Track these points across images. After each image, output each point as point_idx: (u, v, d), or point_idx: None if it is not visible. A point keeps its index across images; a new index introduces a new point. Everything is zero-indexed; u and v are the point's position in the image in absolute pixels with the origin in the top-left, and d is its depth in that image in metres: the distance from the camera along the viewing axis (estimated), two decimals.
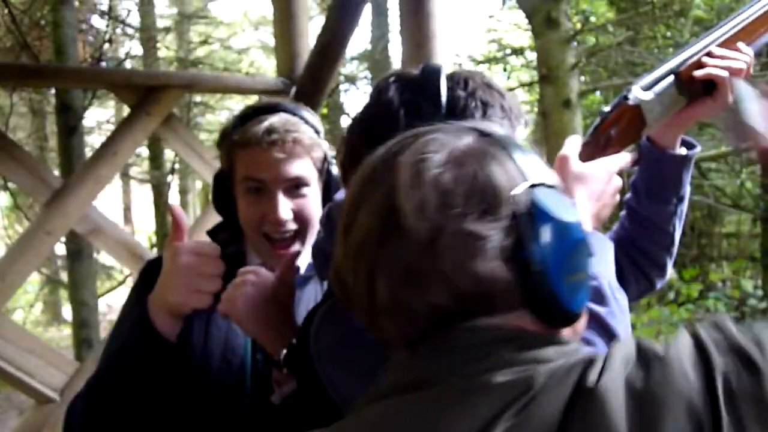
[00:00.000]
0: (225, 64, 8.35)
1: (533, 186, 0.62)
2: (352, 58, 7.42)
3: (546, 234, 0.60)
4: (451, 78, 1.04)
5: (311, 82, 2.76)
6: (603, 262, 1.00)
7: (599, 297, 0.95)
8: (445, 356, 0.62)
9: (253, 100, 3.36)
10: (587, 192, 1.09)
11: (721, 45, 1.20)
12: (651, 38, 4.59)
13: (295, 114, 1.30)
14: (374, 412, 0.63)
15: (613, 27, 5.42)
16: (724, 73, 1.16)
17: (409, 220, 0.61)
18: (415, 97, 1.02)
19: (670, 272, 1.39)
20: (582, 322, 0.69)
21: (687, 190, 1.30)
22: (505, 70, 5.34)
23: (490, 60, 5.36)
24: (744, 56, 1.18)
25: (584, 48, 3.80)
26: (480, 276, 0.60)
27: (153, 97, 2.60)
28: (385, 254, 0.63)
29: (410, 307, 0.62)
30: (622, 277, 1.33)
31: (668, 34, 4.89)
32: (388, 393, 0.63)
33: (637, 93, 1.17)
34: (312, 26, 3.05)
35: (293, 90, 2.79)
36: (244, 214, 1.29)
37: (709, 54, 1.18)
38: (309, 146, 1.27)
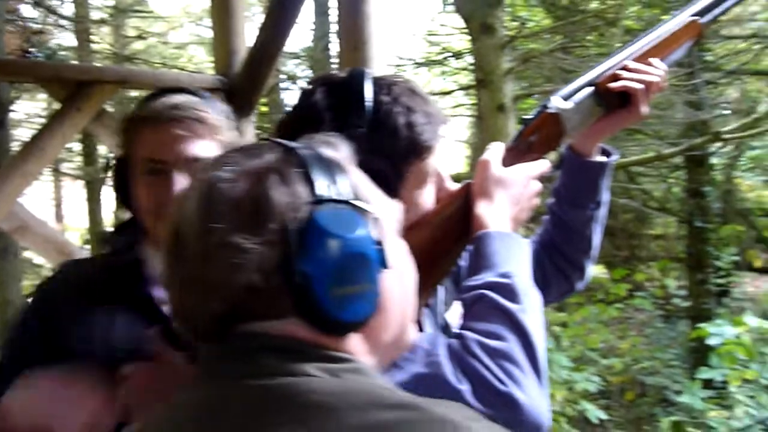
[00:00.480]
0: (163, 59, 8.16)
1: (317, 202, 0.67)
2: (293, 57, 7.37)
3: (316, 248, 0.65)
4: (376, 83, 1.08)
5: (248, 80, 2.75)
6: (517, 262, 1.05)
7: (511, 295, 1.00)
8: (215, 359, 0.70)
9: None
10: (507, 195, 1.13)
11: (636, 59, 1.26)
12: (582, 47, 4.75)
13: (201, 97, 1.26)
14: (175, 402, 0.72)
15: (549, 34, 5.58)
16: (639, 86, 1.22)
17: (188, 233, 0.68)
18: (341, 101, 1.06)
19: (591, 274, 1.44)
20: (382, 331, 0.74)
21: (606, 196, 1.36)
22: (443, 73, 5.43)
23: (430, 63, 5.42)
24: (657, 70, 1.25)
25: (519, 54, 3.90)
26: (243, 286, 0.65)
27: (84, 92, 2.52)
28: (173, 264, 0.70)
29: (193, 313, 0.70)
30: (545, 279, 1.38)
31: (600, 42, 5.07)
32: (186, 387, 0.72)
33: (557, 102, 1.22)
34: (251, 24, 3.03)
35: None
36: (141, 200, 1.22)
37: (624, 67, 1.24)
38: (213, 127, 1.22)
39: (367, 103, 1.04)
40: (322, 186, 0.68)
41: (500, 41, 3.47)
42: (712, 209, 7.33)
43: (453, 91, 5.87)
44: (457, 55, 5.42)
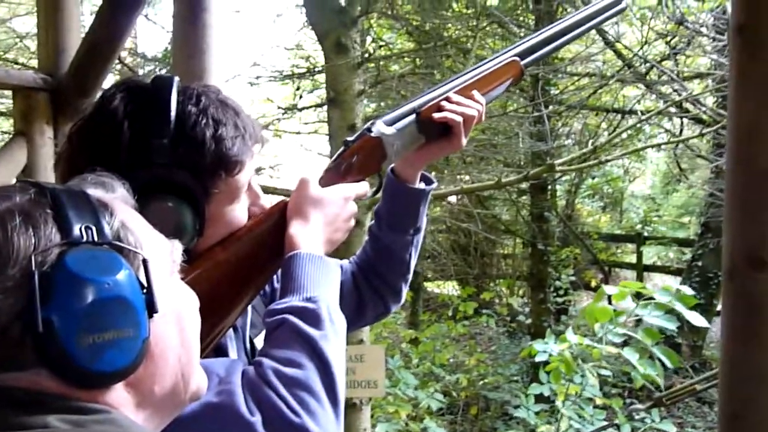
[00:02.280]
0: (2, 48, 7.46)
1: (70, 245, 0.64)
2: (149, 59, 7.02)
3: (63, 294, 0.62)
4: (183, 92, 1.02)
5: (76, 81, 2.55)
6: (324, 286, 1.03)
7: (315, 321, 0.97)
8: None
9: (7, 95, 3.02)
10: (322, 216, 1.11)
11: (458, 92, 1.29)
12: (430, 74, 4.94)
13: None
14: None
15: (409, 57, 5.73)
16: (459, 118, 1.26)
17: None
18: (143, 109, 0.99)
19: (405, 296, 1.46)
20: (153, 381, 0.70)
21: (424, 221, 1.38)
22: (298, 88, 5.41)
23: (285, 77, 5.38)
24: (477, 105, 1.29)
25: (370, 76, 3.97)
26: None
27: None
28: None
29: None
30: (361, 300, 1.39)
31: (454, 69, 5.29)
32: None
33: (380, 127, 1.22)
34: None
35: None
36: None
37: (447, 99, 1.27)
38: None
39: (171, 113, 0.98)
40: (78, 228, 0.65)
41: (354, 61, 3.49)
42: (553, 232, 7.85)
43: (305, 108, 5.87)
44: (311, 72, 5.43)
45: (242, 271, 1.06)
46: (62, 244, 0.63)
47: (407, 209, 1.34)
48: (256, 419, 0.89)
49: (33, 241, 0.62)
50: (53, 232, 0.64)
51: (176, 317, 0.73)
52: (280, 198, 1.16)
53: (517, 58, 1.37)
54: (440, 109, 1.26)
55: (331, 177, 1.18)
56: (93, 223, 0.66)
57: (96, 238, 0.65)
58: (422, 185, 1.35)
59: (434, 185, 1.39)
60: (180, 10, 2.19)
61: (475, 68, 1.36)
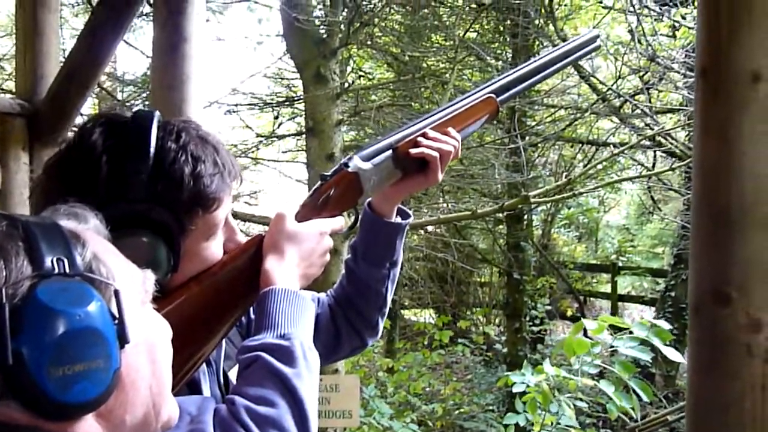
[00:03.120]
0: None
1: (41, 277, 0.64)
2: (128, 83, 7.01)
3: (33, 326, 0.62)
4: (163, 128, 1.02)
5: (54, 107, 2.54)
6: (299, 323, 1.03)
7: (288, 358, 0.97)
8: None
9: None
10: (297, 251, 1.12)
11: (435, 128, 1.31)
12: (408, 104, 4.99)
13: None
14: None
15: (387, 88, 5.80)
16: (435, 154, 1.27)
17: None
18: (121, 145, 0.99)
19: (381, 331, 1.46)
20: (123, 411, 0.70)
21: (400, 255, 1.39)
22: (277, 117, 5.43)
23: (264, 105, 5.40)
24: (453, 141, 1.31)
25: (349, 106, 4.01)
26: None
27: None
28: None
29: None
30: (337, 334, 1.39)
31: (432, 99, 5.37)
32: None
33: (357, 162, 1.23)
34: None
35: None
36: None
37: (424, 135, 1.29)
38: None
39: (150, 150, 0.98)
40: (50, 260, 0.65)
41: (333, 92, 3.52)
42: (529, 262, 7.91)
43: (284, 136, 5.88)
44: (290, 101, 5.46)
45: (217, 305, 1.06)
46: (33, 276, 0.63)
47: (383, 243, 1.34)
48: None
49: (4, 273, 0.62)
50: (24, 264, 0.64)
51: (148, 347, 0.73)
52: (257, 228, 1.17)
53: (493, 95, 1.39)
54: (417, 144, 1.28)
55: (307, 211, 1.18)
56: (65, 254, 0.66)
57: (68, 270, 0.65)
58: (398, 219, 1.36)
59: (410, 219, 1.40)
60: (160, 40, 2.19)
61: (452, 104, 1.37)
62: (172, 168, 0.99)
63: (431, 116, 1.34)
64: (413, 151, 1.27)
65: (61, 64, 2.63)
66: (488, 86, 1.42)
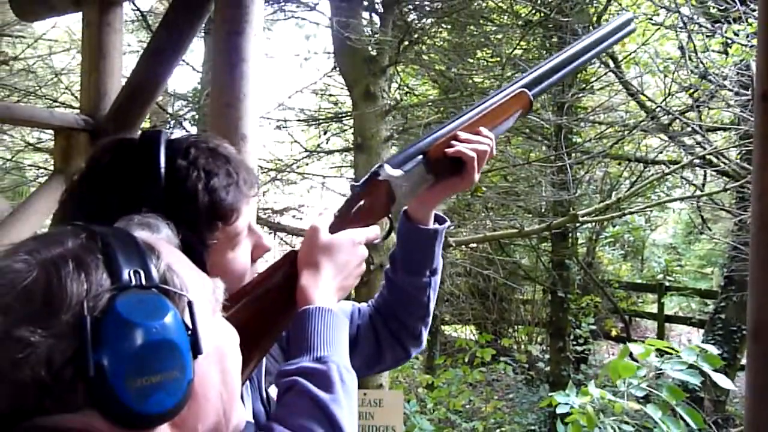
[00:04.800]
0: (38, 83, 7.67)
1: (119, 290, 0.65)
2: (180, 98, 7.21)
3: (113, 338, 0.63)
4: (171, 146, 1.02)
5: (116, 123, 2.64)
6: (335, 344, 1.03)
7: (326, 384, 0.97)
8: None
9: (49, 134, 3.12)
10: (332, 263, 1.11)
11: (466, 129, 1.28)
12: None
13: None
14: None
15: (434, 105, 5.82)
16: (473, 154, 1.25)
17: None
18: (131, 169, 0.99)
19: (425, 341, 1.44)
20: (197, 420, 0.71)
21: (440, 262, 1.36)
22: (325, 132, 5.50)
23: (314, 120, 5.49)
24: (487, 140, 1.28)
25: (397, 123, 4.04)
26: (29, 381, 0.62)
27: None
28: None
29: None
30: (379, 346, 1.37)
31: None
32: None
33: (387, 170, 1.22)
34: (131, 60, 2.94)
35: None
36: None
37: (455, 137, 1.26)
38: None
39: (160, 170, 0.99)
40: (127, 272, 0.67)
41: (382, 109, 3.56)
42: (573, 280, 7.79)
43: (331, 151, 5.94)
44: (338, 117, 5.52)
45: (254, 325, 1.05)
46: (112, 289, 0.65)
47: (422, 251, 1.33)
48: None
49: (85, 286, 0.64)
50: (104, 277, 0.65)
51: (218, 356, 0.74)
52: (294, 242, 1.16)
53: (525, 90, 1.35)
54: (449, 147, 1.25)
55: (340, 223, 1.17)
56: (141, 266, 0.68)
57: (144, 282, 0.67)
58: (435, 225, 1.34)
59: (447, 224, 1.37)
60: (218, 61, 2.27)
61: (482, 102, 1.34)
62: (185, 185, 0.99)
63: (461, 117, 1.31)
64: (449, 151, 1.25)
65: (124, 82, 2.73)
66: (519, 81, 1.38)
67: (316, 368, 0.98)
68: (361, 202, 1.20)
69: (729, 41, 5.62)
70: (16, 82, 7.42)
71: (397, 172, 1.23)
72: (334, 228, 1.15)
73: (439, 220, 1.36)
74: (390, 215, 1.26)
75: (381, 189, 1.22)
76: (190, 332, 0.68)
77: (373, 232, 1.19)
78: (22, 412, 0.63)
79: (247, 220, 1.08)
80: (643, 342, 3.03)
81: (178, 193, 0.98)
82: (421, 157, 1.25)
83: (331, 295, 1.09)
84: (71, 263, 0.65)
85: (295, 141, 5.63)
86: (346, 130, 5.99)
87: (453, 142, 1.26)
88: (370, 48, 3.80)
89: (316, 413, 0.94)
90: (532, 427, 6.69)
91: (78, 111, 2.79)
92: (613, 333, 9.25)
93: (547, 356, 7.91)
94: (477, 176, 1.29)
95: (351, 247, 1.13)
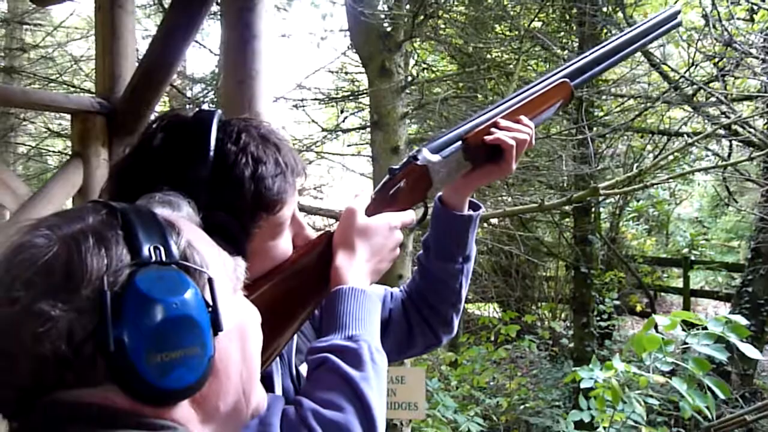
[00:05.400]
0: (58, 70, 7.74)
1: (139, 266, 0.65)
2: (197, 81, 7.21)
3: (133, 313, 0.63)
4: (223, 129, 1.01)
5: (131, 105, 2.64)
6: (367, 324, 1.03)
7: (356, 361, 0.97)
8: None
9: (66, 119, 3.13)
10: (368, 246, 1.11)
11: (506, 117, 1.28)
12: (473, 96, 4.93)
13: None
14: None
15: (452, 81, 5.75)
16: (512, 142, 1.24)
17: None
18: (182, 147, 0.98)
19: (456, 327, 1.42)
20: (217, 398, 0.72)
21: (473, 249, 1.36)
22: (342, 111, 5.46)
23: (330, 99, 5.46)
24: (527, 129, 1.27)
25: (413, 99, 3.99)
26: (50, 355, 0.62)
27: None
28: None
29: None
30: (410, 331, 1.37)
31: (496, 91, 5.29)
32: None
33: (426, 154, 1.22)
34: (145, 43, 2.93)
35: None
36: None
37: (495, 124, 1.26)
38: None
39: (210, 153, 0.97)
40: (147, 248, 0.66)
41: (397, 85, 3.52)
42: (596, 255, 7.71)
43: (348, 130, 5.90)
44: (354, 95, 5.47)
45: (286, 302, 1.06)
46: (132, 264, 0.65)
47: (455, 237, 1.32)
48: None
49: (105, 261, 0.64)
50: (124, 252, 0.65)
51: (239, 334, 0.74)
52: (322, 221, 1.17)
53: (567, 80, 1.34)
54: (489, 134, 1.25)
55: (377, 206, 1.17)
56: (161, 243, 0.68)
57: (164, 258, 0.67)
58: (470, 212, 1.33)
59: (481, 211, 1.36)
60: (229, 37, 2.25)
61: (523, 91, 1.33)
62: (233, 172, 0.97)
63: (501, 105, 1.30)
64: (488, 138, 1.24)
65: (137, 64, 2.73)
66: (562, 70, 1.37)
67: (347, 346, 0.98)
68: (398, 186, 1.20)
69: (755, 7, 5.46)
70: (37, 70, 7.49)
71: (436, 157, 1.22)
72: (370, 211, 1.15)
73: (473, 206, 1.35)
74: (425, 200, 1.25)
75: (418, 173, 1.21)
76: (210, 309, 0.68)
77: (409, 216, 1.19)
78: (44, 387, 0.64)
79: (292, 209, 1.07)
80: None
81: (224, 178, 0.97)
82: (459, 143, 1.25)
83: (364, 277, 1.09)
84: (92, 238, 0.65)
85: (313, 121, 5.61)
86: (363, 109, 5.96)
87: (492, 130, 1.25)
88: (384, 23, 3.75)
89: (346, 389, 0.94)
90: (557, 403, 6.67)
91: (93, 95, 2.79)
92: (638, 308, 9.17)
93: (570, 332, 7.87)
94: (515, 165, 1.28)
95: (387, 231, 1.13)
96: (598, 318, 7.59)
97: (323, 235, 1.13)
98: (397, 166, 1.23)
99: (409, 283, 1.41)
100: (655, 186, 6.58)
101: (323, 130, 5.84)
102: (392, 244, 1.15)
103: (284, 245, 1.08)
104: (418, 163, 1.21)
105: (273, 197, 1.01)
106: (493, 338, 6.60)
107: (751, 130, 5.66)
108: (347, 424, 0.92)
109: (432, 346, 1.43)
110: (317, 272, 1.10)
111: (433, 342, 1.41)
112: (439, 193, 1.33)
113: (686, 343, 2.85)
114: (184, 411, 0.68)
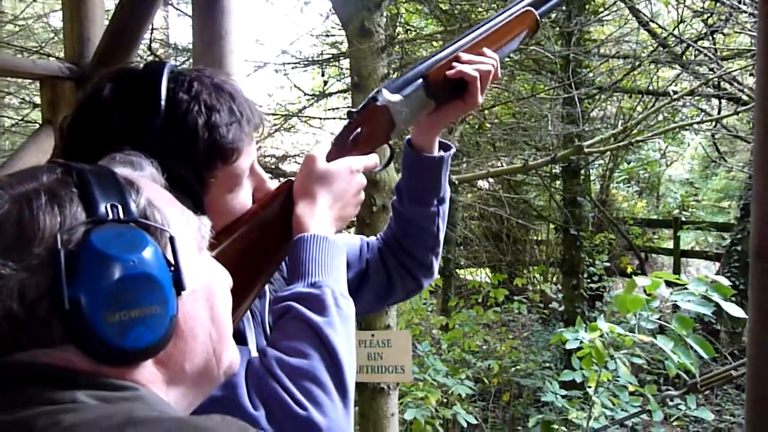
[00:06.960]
0: (39, 42, 7.58)
1: (95, 223, 0.64)
2: (181, 50, 7.08)
3: (89, 272, 0.62)
4: (175, 79, 0.98)
5: (100, 69, 2.56)
6: (331, 270, 1.01)
7: (319, 307, 0.96)
8: None
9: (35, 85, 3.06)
10: (329, 192, 1.09)
11: (468, 50, 1.23)
12: None
13: None
14: None
15: (434, 40, 5.65)
16: (475, 74, 1.20)
17: None
18: (131, 99, 0.96)
19: (437, 271, 1.42)
20: (183, 358, 0.70)
21: (447, 190, 1.33)
22: (322, 74, 5.39)
23: (309, 62, 5.37)
24: (490, 60, 1.23)
25: (394, 59, 3.92)
26: (2, 315, 0.61)
27: None
28: None
29: None
30: (389, 278, 1.36)
31: None
32: None
33: (386, 94, 1.18)
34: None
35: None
36: None
37: (456, 58, 1.22)
38: None
39: (161, 102, 0.95)
40: (104, 206, 0.65)
41: (378, 45, 3.45)
42: (586, 218, 7.71)
43: (332, 94, 5.83)
44: (336, 58, 5.39)
45: (251, 257, 1.04)
46: (87, 222, 0.64)
47: (427, 179, 1.29)
48: (260, 413, 0.88)
49: (59, 219, 0.63)
50: (78, 210, 0.64)
51: (206, 294, 0.73)
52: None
53: (531, 9, 1.30)
54: (451, 69, 1.21)
55: (338, 151, 1.14)
56: (119, 201, 0.66)
57: (122, 216, 0.65)
58: (441, 153, 1.30)
59: (452, 150, 1.34)
60: None
61: (485, 23, 1.28)
62: (185, 120, 0.96)
63: (463, 38, 1.26)
64: (450, 72, 1.20)
65: (106, 27, 2.65)
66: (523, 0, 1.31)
67: (311, 293, 0.97)
68: (359, 129, 1.16)
69: None
70: (19, 42, 7.33)
71: (396, 97, 1.18)
72: (331, 157, 1.12)
73: (444, 147, 1.32)
74: (390, 142, 1.22)
75: (379, 115, 1.17)
76: (172, 268, 0.66)
77: (372, 159, 1.16)
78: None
79: (250, 160, 1.05)
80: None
81: (177, 127, 0.95)
82: (420, 80, 1.20)
83: (327, 224, 1.06)
84: (44, 196, 0.64)
85: (296, 87, 5.54)
86: (345, 75, 5.87)
87: (454, 64, 1.21)
88: None
89: (310, 336, 0.93)
90: (548, 364, 6.73)
91: (61, 60, 2.71)
92: (629, 270, 9.21)
93: (561, 295, 7.91)
94: (481, 98, 1.24)
95: (348, 175, 1.11)
96: (589, 280, 7.63)
97: (284, 185, 1.11)
98: (356, 109, 1.19)
99: (385, 230, 1.40)
100: (644, 146, 6.53)
101: (305, 94, 5.76)
102: (355, 188, 1.12)
103: (243, 198, 1.06)
104: (378, 103, 1.17)
105: (228, 145, 0.98)
106: (481, 301, 6.62)
107: (740, 86, 5.61)
108: (313, 369, 0.91)
109: (412, 291, 1.42)
110: (280, 223, 1.07)
111: (414, 287, 1.40)
112: (408, 137, 1.30)
113: (672, 301, 2.85)
114: (148, 372, 0.67)
